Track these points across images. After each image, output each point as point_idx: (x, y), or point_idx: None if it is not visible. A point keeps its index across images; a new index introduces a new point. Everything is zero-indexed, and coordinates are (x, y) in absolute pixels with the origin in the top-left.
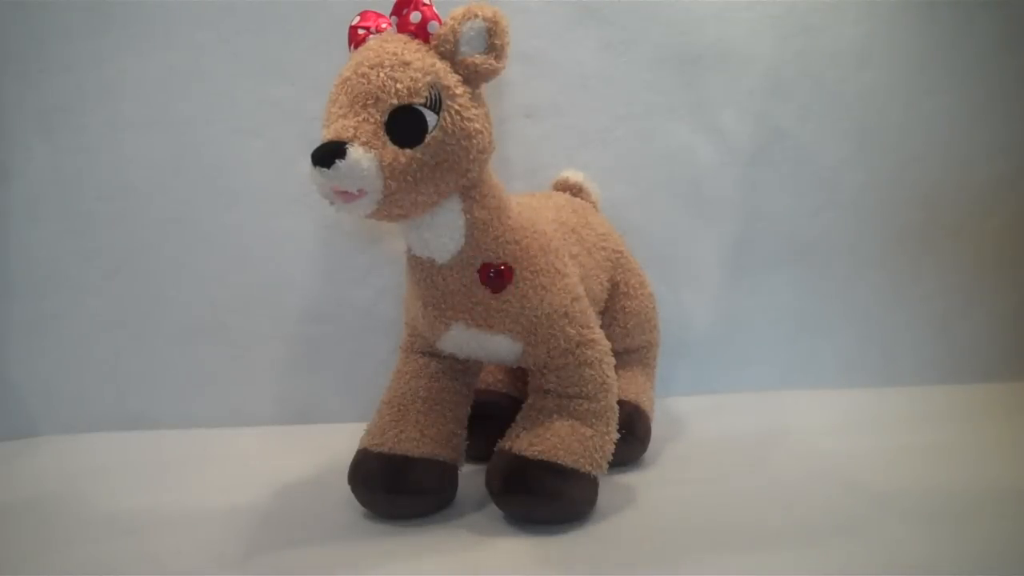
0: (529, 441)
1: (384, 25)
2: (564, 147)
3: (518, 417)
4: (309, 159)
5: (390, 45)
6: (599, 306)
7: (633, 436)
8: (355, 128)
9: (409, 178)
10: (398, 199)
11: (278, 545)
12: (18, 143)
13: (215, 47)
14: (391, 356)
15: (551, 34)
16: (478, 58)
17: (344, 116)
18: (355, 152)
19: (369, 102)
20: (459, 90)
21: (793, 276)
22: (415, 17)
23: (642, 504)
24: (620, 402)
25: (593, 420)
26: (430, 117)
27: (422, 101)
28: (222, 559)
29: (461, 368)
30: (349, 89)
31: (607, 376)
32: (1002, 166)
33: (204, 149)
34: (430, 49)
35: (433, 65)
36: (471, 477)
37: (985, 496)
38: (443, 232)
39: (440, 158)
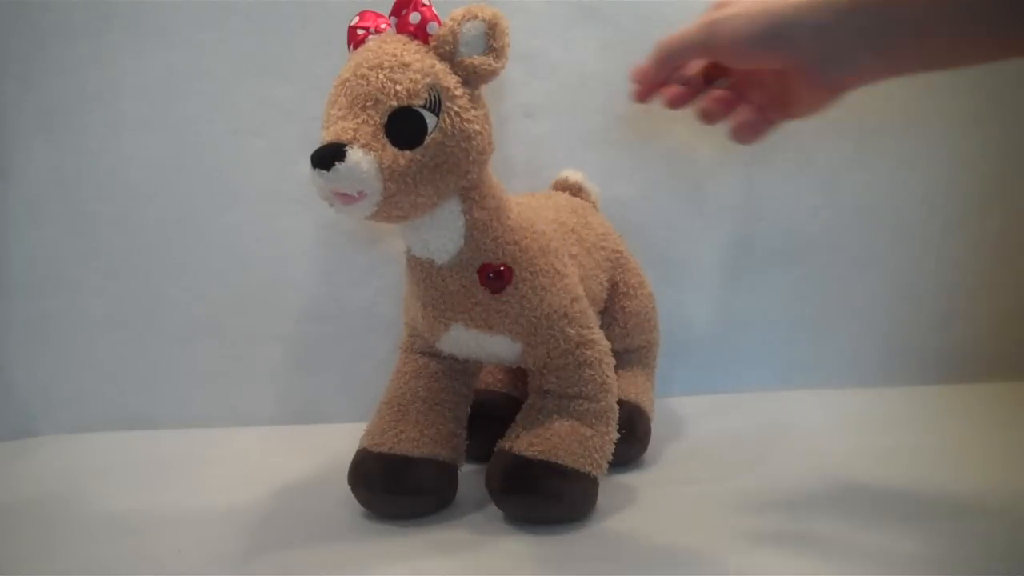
0: (529, 441)
1: (383, 26)
2: (564, 147)
3: (518, 417)
4: (308, 161)
5: (389, 46)
6: (599, 306)
7: (633, 436)
8: (354, 130)
9: (409, 180)
10: (398, 201)
11: (278, 545)
12: (18, 143)
13: (215, 47)
14: (391, 356)
15: (551, 34)
16: (477, 59)
17: (343, 118)
18: (354, 154)
19: (368, 104)
20: (459, 91)
21: (793, 276)
22: (414, 18)
23: (642, 504)
24: (620, 402)
25: (593, 420)
26: (430, 119)
27: (421, 103)
28: (222, 559)
29: (461, 368)
30: (348, 91)
31: (607, 376)
32: (1001, 166)
33: (204, 149)
34: (429, 50)
35: (432, 66)
36: (471, 477)
37: (984, 496)
38: (443, 233)
39: (440, 160)
